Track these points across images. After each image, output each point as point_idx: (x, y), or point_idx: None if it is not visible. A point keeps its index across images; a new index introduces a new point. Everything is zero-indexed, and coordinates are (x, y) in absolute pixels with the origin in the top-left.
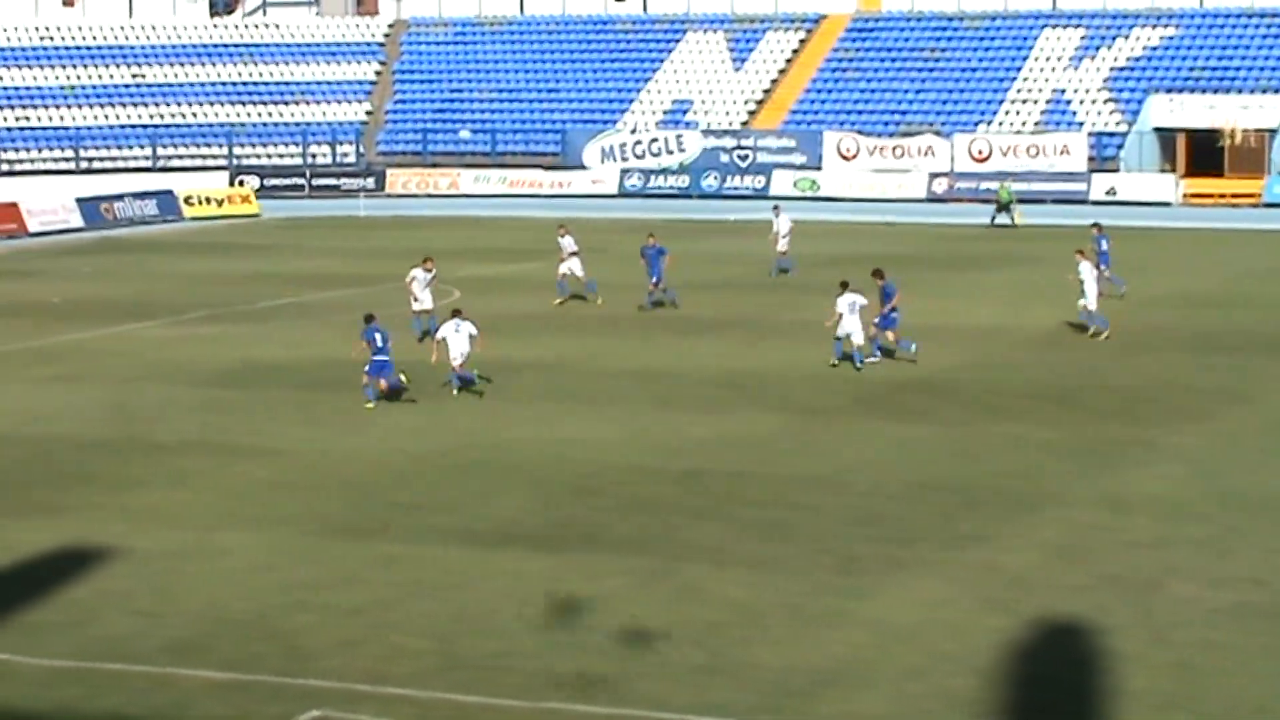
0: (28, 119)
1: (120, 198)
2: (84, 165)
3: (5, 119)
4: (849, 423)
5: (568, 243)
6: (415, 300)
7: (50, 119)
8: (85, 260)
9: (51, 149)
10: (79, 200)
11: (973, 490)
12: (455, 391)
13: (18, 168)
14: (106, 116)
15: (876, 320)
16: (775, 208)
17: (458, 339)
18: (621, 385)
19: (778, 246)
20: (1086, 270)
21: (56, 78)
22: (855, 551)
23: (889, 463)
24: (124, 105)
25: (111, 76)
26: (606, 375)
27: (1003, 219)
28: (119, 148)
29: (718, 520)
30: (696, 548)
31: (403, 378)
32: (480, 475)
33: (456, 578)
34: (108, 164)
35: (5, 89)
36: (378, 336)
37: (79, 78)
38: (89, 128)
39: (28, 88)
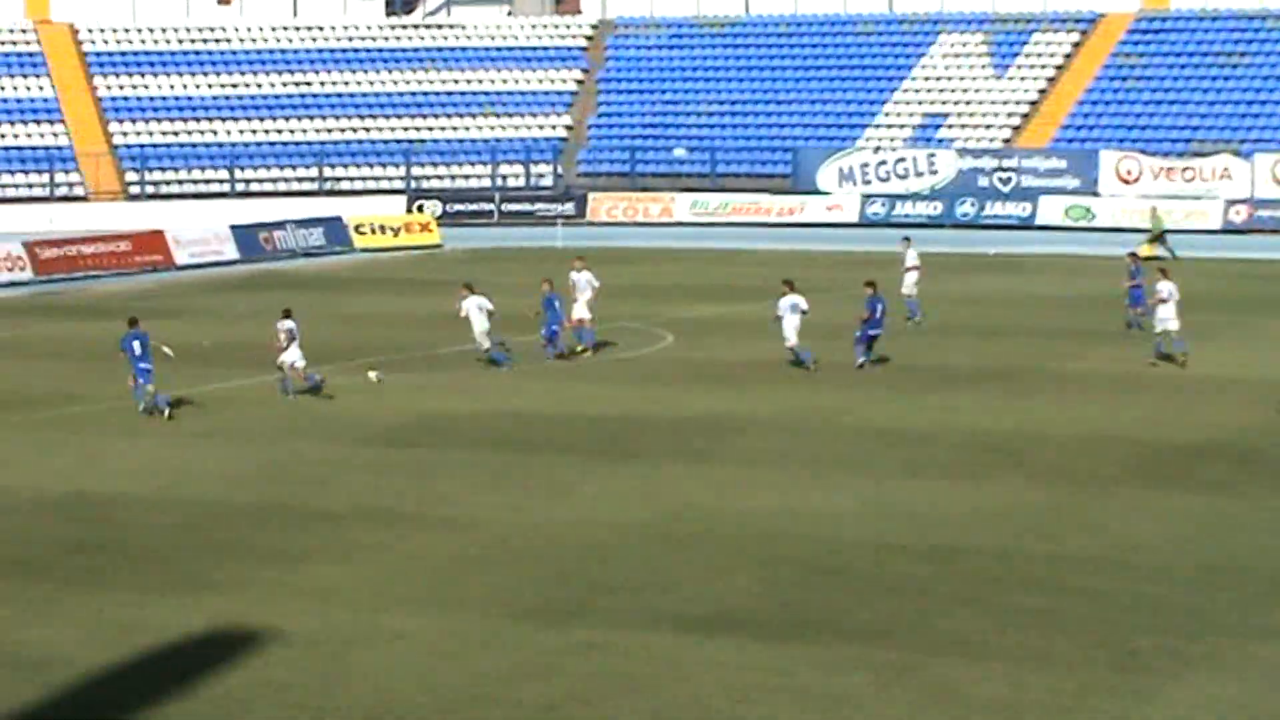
0: (176, 134)
1: (281, 226)
2: (240, 188)
3: (152, 133)
4: (1130, 493)
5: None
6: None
7: (203, 134)
8: (240, 298)
9: (203, 169)
10: (234, 228)
11: (1278, 577)
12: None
13: (165, 190)
14: (266, 132)
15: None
16: (905, 239)
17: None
18: (862, 447)
19: (903, 287)
20: None
21: (210, 87)
22: (1136, 645)
23: (1178, 541)
24: (286, 119)
25: (273, 85)
26: (844, 435)
27: (1160, 250)
28: (280, 168)
29: (975, 607)
30: (950, 639)
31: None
32: (697, 550)
33: (666, 669)
34: (267, 186)
35: (152, 99)
36: (136, 344)
37: (236, 87)
38: (246, 145)
39: (176, 98)
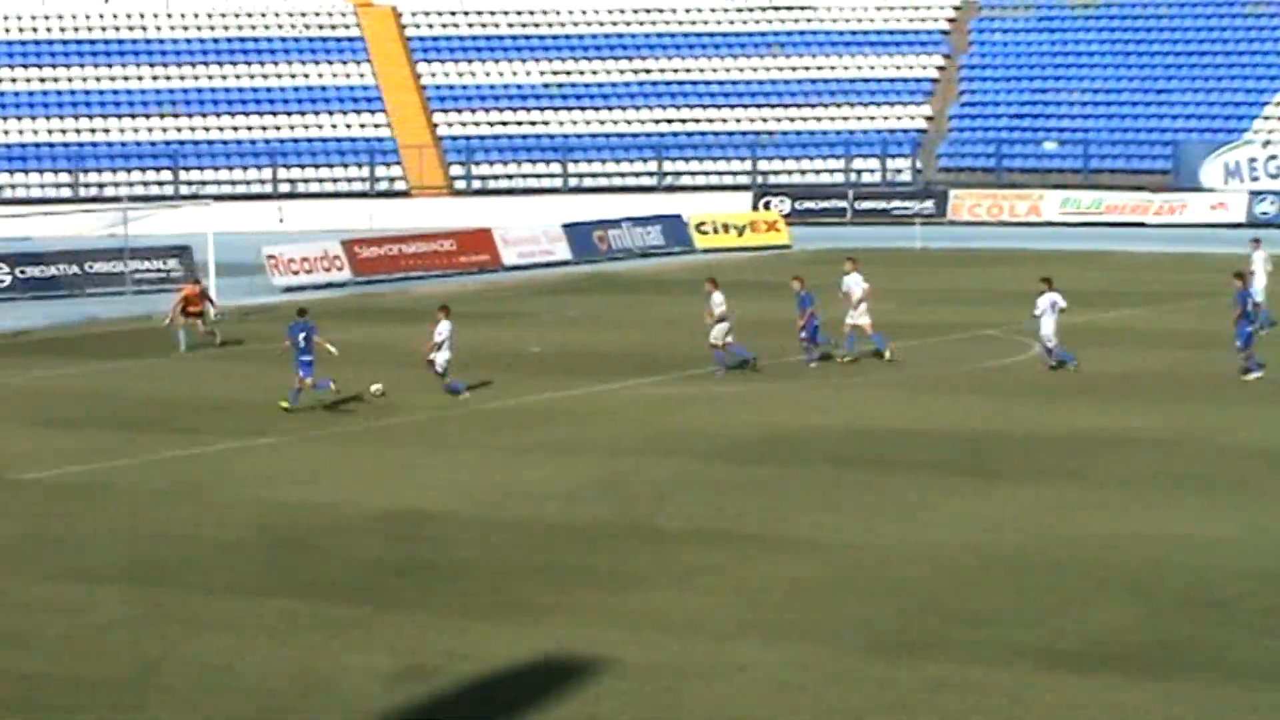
0: (505, 125)
1: (617, 224)
2: (573, 183)
3: (478, 124)
4: None
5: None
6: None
7: (533, 125)
8: (573, 301)
9: (534, 162)
10: (566, 226)
11: None
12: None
13: (492, 185)
14: (601, 123)
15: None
16: (1254, 241)
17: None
18: (1246, 468)
19: (1258, 293)
20: None
21: (541, 74)
22: None
23: None
24: (623, 108)
25: (608, 73)
26: (1226, 454)
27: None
28: (616, 161)
29: None
30: None
31: (332, 384)
32: (1063, 579)
33: (1029, 708)
34: (601, 182)
35: (479, 88)
36: (301, 336)
37: (567, 74)
38: (579, 136)
39: (505, 86)
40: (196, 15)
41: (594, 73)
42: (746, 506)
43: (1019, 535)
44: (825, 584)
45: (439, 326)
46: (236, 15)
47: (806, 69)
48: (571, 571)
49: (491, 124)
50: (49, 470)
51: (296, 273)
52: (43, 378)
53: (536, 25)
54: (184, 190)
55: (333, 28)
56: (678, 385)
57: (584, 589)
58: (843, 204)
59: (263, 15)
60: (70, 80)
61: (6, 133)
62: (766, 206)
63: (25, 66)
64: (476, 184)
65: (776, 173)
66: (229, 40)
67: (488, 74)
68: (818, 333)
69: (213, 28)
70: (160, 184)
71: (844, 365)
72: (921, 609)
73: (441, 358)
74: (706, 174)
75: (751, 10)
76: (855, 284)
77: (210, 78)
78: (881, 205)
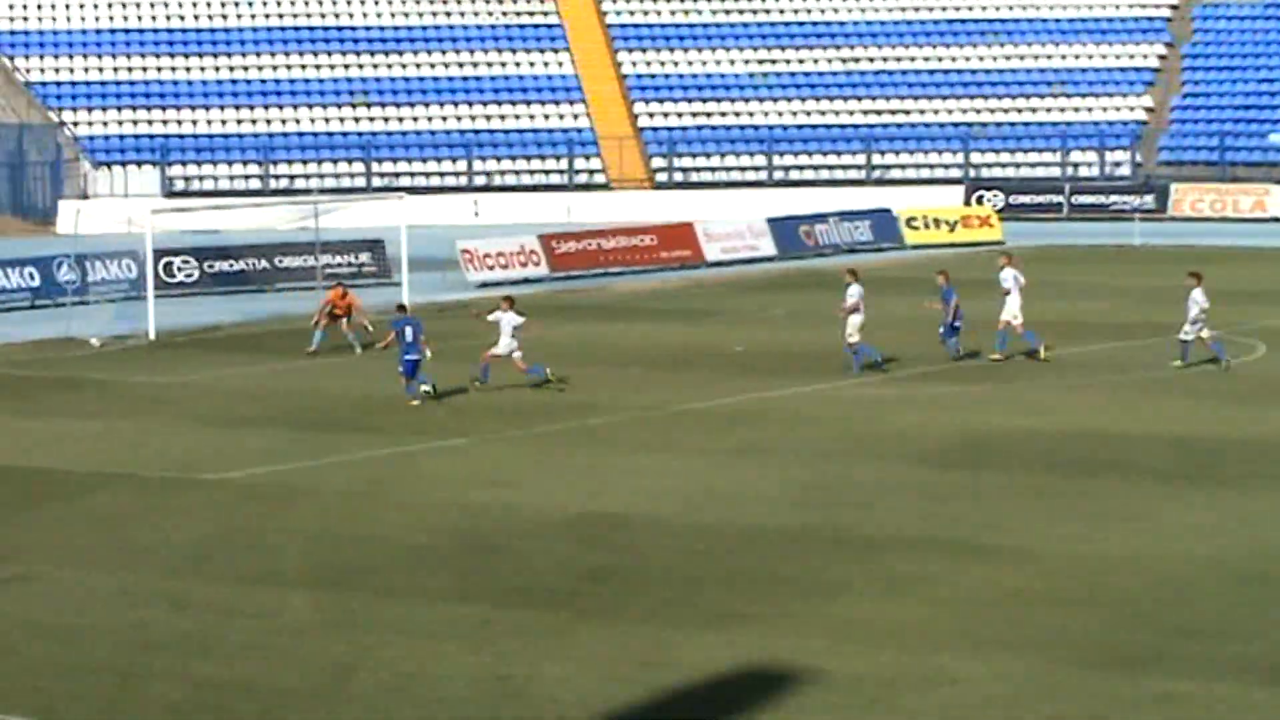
0: (708, 116)
1: (823, 218)
2: (778, 176)
3: (680, 115)
4: None
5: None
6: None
7: (736, 116)
8: (777, 298)
9: (737, 155)
10: (771, 221)
11: None
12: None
13: (694, 178)
14: (808, 114)
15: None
16: None
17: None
18: None
19: None
20: None
21: (746, 63)
22: None
23: None
24: (830, 99)
25: (815, 62)
26: None
27: None
28: (823, 154)
29: None
30: None
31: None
32: None
33: None
34: (808, 175)
35: (681, 77)
36: (408, 330)
37: (773, 63)
38: (785, 128)
39: (708, 75)
40: (390, 2)
41: (800, 62)
42: (955, 513)
43: (1247, 546)
44: (1038, 594)
45: (504, 317)
46: (431, 2)
47: (1021, 58)
48: (772, 579)
49: (694, 115)
50: (239, 470)
51: (492, 268)
52: (230, 375)
53: (741, 12)
54: (377, 183)
55: (530, 15)
56: (883, 386)
57: (785, 597)
58: (1058, 199)
59: (458, 2)
60: (260, 69)
61: (195, 123)
62: (979, 201)
63: (215, 55)
64: (678, 177)
65: (989, 166)
66: (423, 29)
67: (690, 63)
68: (957, 330)
69: (406, 15)
70: (352, 176)
71: (995, 363)
72: (1138, 621)
73: (504, 347)
74: (917, 167)
75: None
76: (1008, 279)
77: (404, 66)
78: (1099, 200)
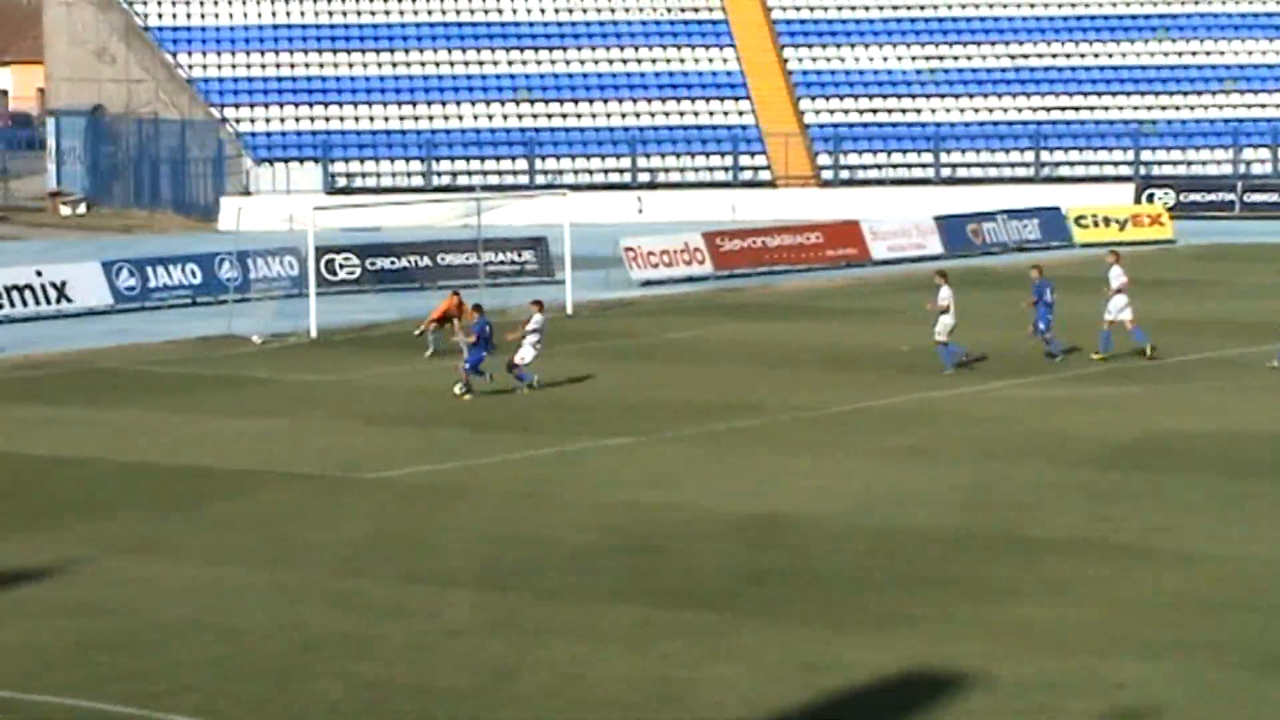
0: (875, 113)
1: (991, 217)
2: (945, 174)
3: (847, 112)
4: None
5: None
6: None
7: (904, 113)
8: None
9: (904, 152)
10: (938, 219)
11: None
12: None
13: (860, 175)
14: (975, 110)
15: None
16: None
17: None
18: None
19: None
20: None
21: (914, 60)
22: None
23: None
24: (999, 95)
25: (983, 58)
26: None
27: None
28: (991, 151)
29: None
30: None
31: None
32: None
33: None
34: (975, 172)
35: (848, 73)
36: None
37: (940, 59)
38: (952, 125)
39: (875, 72)
40: None
41: (969, 58)
42: (1123, 515)
43: None
44: (1209, 598)
45: (533, 319)
46: None
47: (1194, 54)
48: (937, 581)
49: (861, 111)
50: (399, 469)
51: (656, 265)
52: (391, 374)
53: (909, 8)
54: (539, 180)
55: (695, 10)
56: (1050, 386)
57: (952, 600)
58: (1230, 197)
59: None
60: (424, 65)
61: (357, 119)
62: (1149, 199)
63: (377, 51)
64: (844, 174)
65: (1160, 163)
66: (586, 24)
67: (857, 59)
68: (1049, 327)
69: (570, 10)
70: (515, 173)
71: (1099, 362)
72: None
73: (527, 353)
74: (1086, 164)
75: None
76: (1116, 277)
77: (568, 62)
78: (1273, 198)
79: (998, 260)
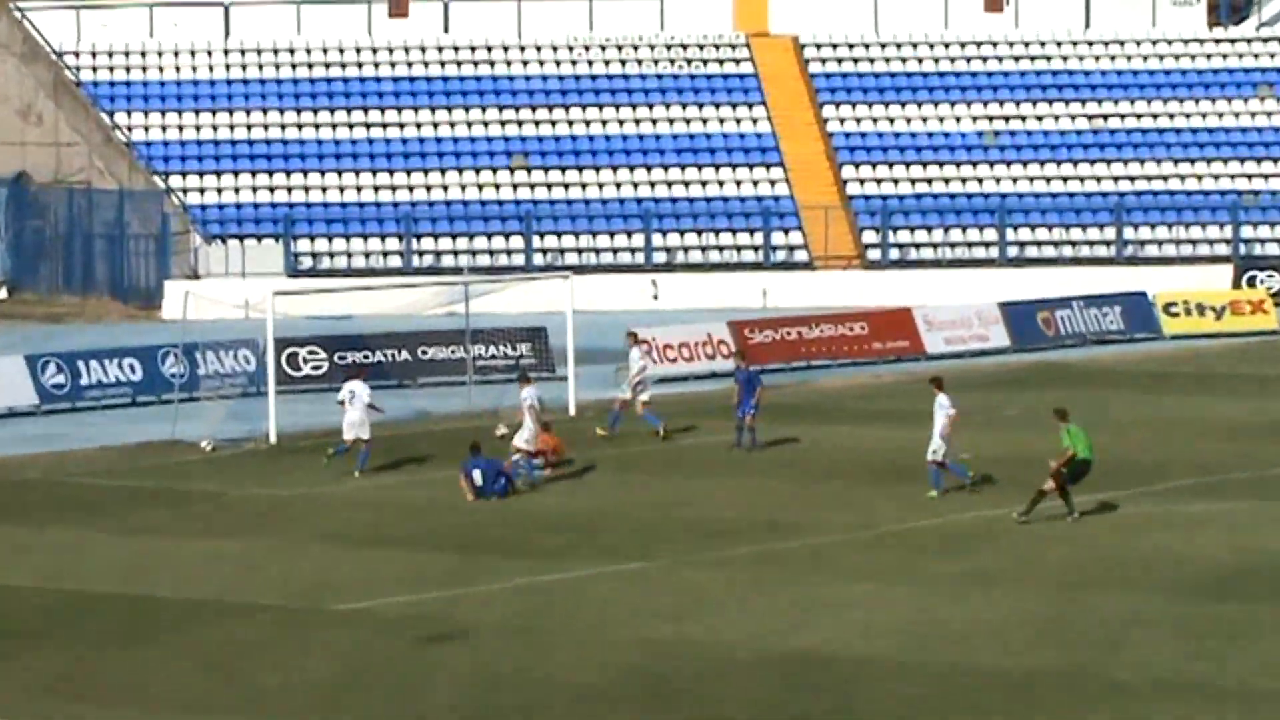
0: (929, 182)
1: (1066, 304)
2: (1011, 253)
3: (897, 181)
4: None
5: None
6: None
7: (962, 183)
8: (1010, 397)
9: (963, 228)
10: (1004, 306)
11: None
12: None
13: (913, 255)
14: (1047, 180)
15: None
16: None
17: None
18: None
19: None
20: None
21: (974, 120)
22: None
23: None
24: (1072, 162)
25: (1056, 119)
26: None
27: None
28: (1066, 227)
29: None
30: None
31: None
32: None
33: None
34: (1048, 252)
35: (897, 136)
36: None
37: (1005, 120)
38: (1020, 196)
39: (929, 134)
40: (555, 49)
41: (1038, 119)
42: (1222, 652)
43: None
44: None
45: (525, 390)
46: (602, 48)
47: None
48: None
49: (913, 181)
50: (376, 599)
51: (674, 360)
52: (364, 486)
53: (968, 60)
54: (538, 260)
55: (719, 63)
56: (1138, 502)
57: None
58: None
59: (634, 48)
60: (402, 127)
61: (325, 190)
62: (1251, 283)
63: (348, 110)
64: (893, 254)
65: (1263, 241)
66: (592, 79)
67: (908, 120)
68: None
69: (574, 63)
70: (510, 252)
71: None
72: None
73: (522, 438)
74: (1176, 243)
75: (1234, 42)
76: (943, 408)
77: (571, 124)
78: None
79: (1073, 354)
